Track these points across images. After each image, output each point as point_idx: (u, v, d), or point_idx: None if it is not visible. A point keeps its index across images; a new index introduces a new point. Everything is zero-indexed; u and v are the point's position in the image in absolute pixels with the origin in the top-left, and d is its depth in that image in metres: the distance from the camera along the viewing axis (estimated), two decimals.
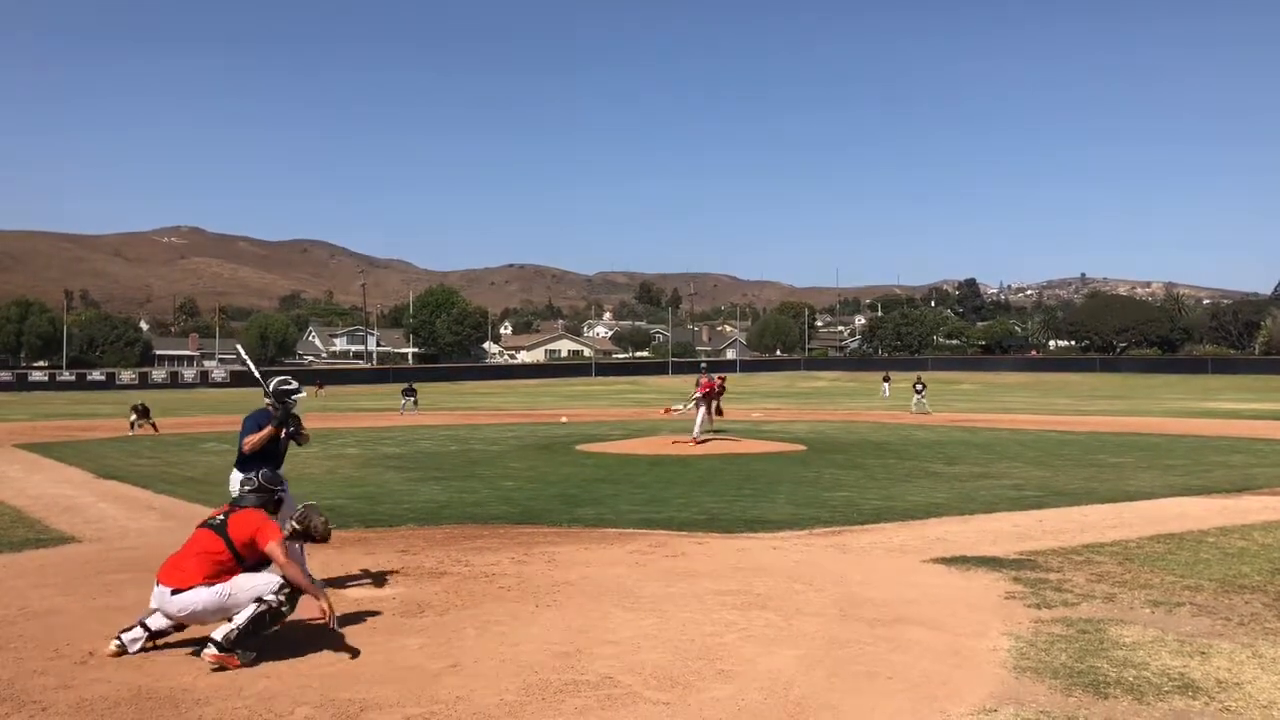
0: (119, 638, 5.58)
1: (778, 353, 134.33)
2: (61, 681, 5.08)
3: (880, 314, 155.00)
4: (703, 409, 21.22)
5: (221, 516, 5.88)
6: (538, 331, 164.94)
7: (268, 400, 7.08)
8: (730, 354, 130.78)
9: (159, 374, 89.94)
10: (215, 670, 5.23)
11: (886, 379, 53.90)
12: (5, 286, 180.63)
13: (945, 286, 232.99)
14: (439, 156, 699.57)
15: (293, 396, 7.16)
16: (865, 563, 8.23)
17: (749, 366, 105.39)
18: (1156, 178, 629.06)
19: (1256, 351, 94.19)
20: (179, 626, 5.68)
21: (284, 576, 5.57)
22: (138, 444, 23.21)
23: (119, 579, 7.66)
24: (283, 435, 7.12)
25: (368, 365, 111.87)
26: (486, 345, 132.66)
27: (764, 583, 7.35)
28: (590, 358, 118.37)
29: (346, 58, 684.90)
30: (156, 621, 5.65)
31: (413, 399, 39.51)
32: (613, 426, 28.08)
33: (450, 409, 42.41)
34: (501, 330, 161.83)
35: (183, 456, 19.83)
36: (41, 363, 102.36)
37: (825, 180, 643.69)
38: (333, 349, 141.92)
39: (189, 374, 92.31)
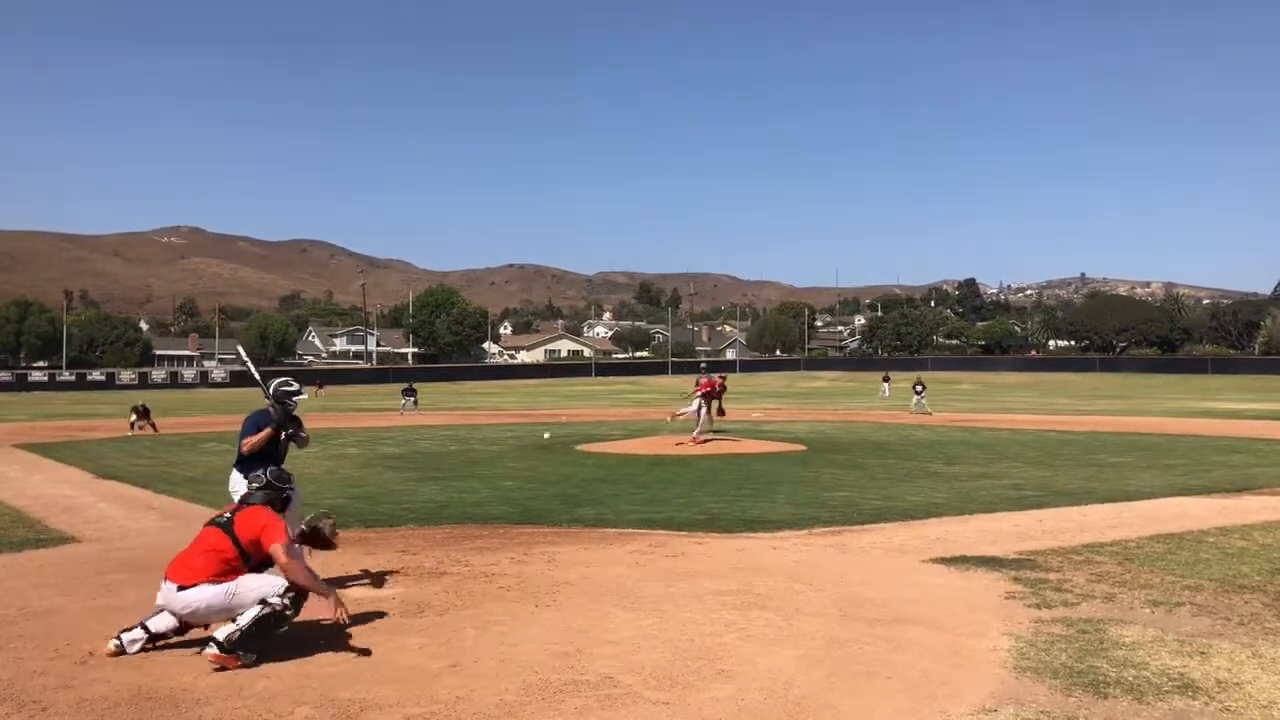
0: (118, 637, 5.58)
1: (777, 353, 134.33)
2: (61, 681, 5.08)
3: (880, 314, 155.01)
4: (703, 409, 21.21)
5: (229, 514, 5.88)
6: (537, 331, 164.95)
7: (269, 401, 7.09)
8: (730, 354, 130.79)
9: (159, 374, 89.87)
10: (216, 670, 5.23)
11: (886, 379, 53.89)
12: (5, 286, 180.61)
13: (945, 286, 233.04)
14: (439, 156, 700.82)
15: (293, 398, 7.16)
16: (865, 563, 8.23)
17: (749, 366, 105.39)
18: (1156, 178, 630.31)
19: (1256, 351, 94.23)
20: (180, 630, 5.67)
21: (288, 580, 5.56)
22: (137, 444, 23.21)
23: (118, 579, 7.66)
24: (282, 437, 7.12)
25: (367, 365, 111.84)
26: (486, 345, 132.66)
27: (764, 583, 7.35)
28: (590, 358, 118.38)
29: (346, 58, 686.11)
30: (158, 624, 5.64)
31: (413, 399, 39.52)
32: (613, 426, 28.08)
33: (450, 409, 42.40)
34: (501, 330, 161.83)
35: (182, 456, 19.83)
36: (41, 363, 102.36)
37: (825, 180, 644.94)
38: (332, 349, 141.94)
39: (189, 374, 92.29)
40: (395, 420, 33.57)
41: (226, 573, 5.56)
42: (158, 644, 5.64)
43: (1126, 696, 4.76)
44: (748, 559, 8.34)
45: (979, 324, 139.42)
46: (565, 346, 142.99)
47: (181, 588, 5.52)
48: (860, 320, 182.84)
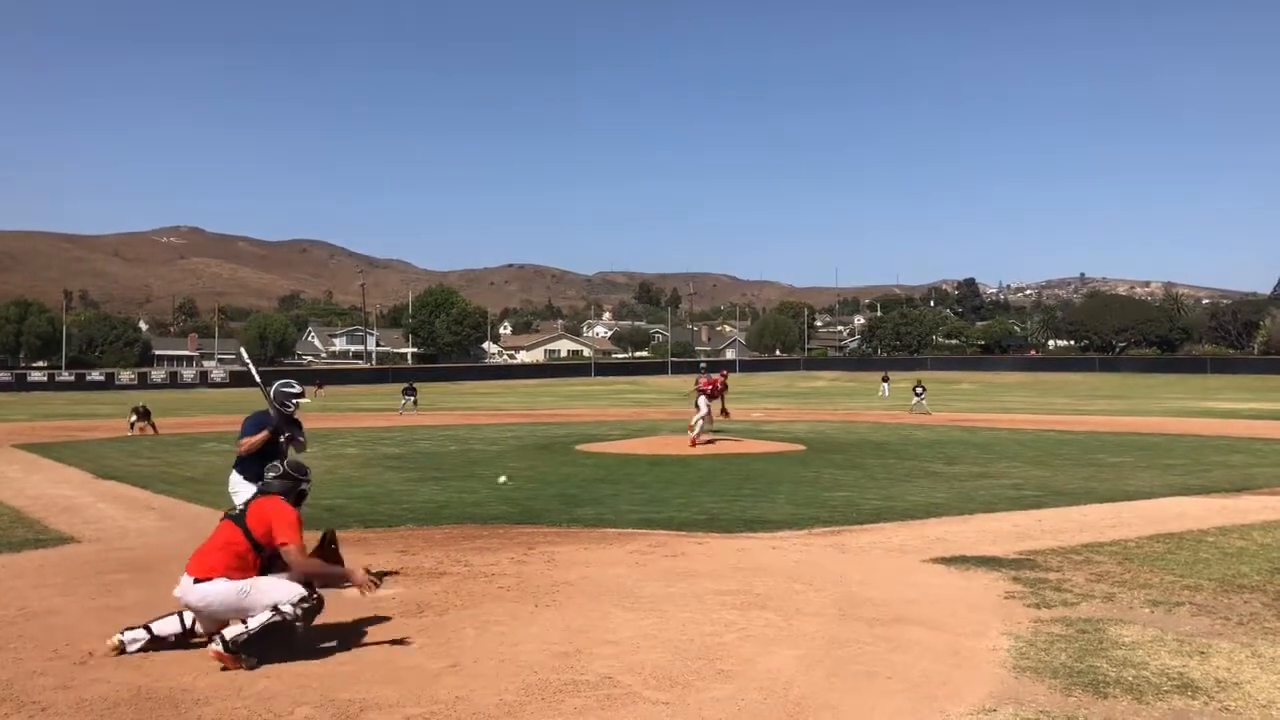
0: (120, 635, 5.58)
1: (777, 353, 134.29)
2: (61, 682, 5.08)
3: (879, 314, 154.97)
4: (705, 408, 21.16)
5: (243, 506, 5.90)
6: (537, 331, 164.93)
7: (269, 404, 7.09)
8: (730, 354, 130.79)
9: (158, 374, 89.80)
10: (218, 669, 5.22)
11: (885, 379, 53.92)
12: (4, 286, 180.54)
13: (944, 286, 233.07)
14: (439, 156, 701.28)
15: (293, 400, 7.16)
16: (865, 562, 8.23)
17: (748, 366, 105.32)
18: (1156, 177, 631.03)
19: (1255, 351, 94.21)
20: (183, 637, 5.66)
21: (302, 574, 5.56)
22: (137, 444, 23.21)
23: (118, 579, 7.65)
24: (281, 439, 7.12)
25: (367, 365, 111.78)
26: (486, 345, 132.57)
27: (764, 583, 7.35)
28: (590, 358, 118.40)
29: (346, 58, 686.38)
30: (162, 628, 5.64)
31: (412, 399, 39.52)
32: (612, 426, 28.09)
33: (450, 409, 42.40)
34: (501, 330, 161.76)
35: (182, 457, 19.82)
36: (41, 363, 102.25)
37: (825, 180, 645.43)
38: (332, 349, 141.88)
39: (188, 374, 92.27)
40: (395, 420, 33.56)
41: (241, 566, 5.57)
42: (158, 648, 5.64)
43: (1126, 696, 4.76)
44: (748, 559, 8.34)
45: (978, 324, 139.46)
46: (565, 346, 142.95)
47: (198, 580, 5.53)
48: (860, 320, 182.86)
